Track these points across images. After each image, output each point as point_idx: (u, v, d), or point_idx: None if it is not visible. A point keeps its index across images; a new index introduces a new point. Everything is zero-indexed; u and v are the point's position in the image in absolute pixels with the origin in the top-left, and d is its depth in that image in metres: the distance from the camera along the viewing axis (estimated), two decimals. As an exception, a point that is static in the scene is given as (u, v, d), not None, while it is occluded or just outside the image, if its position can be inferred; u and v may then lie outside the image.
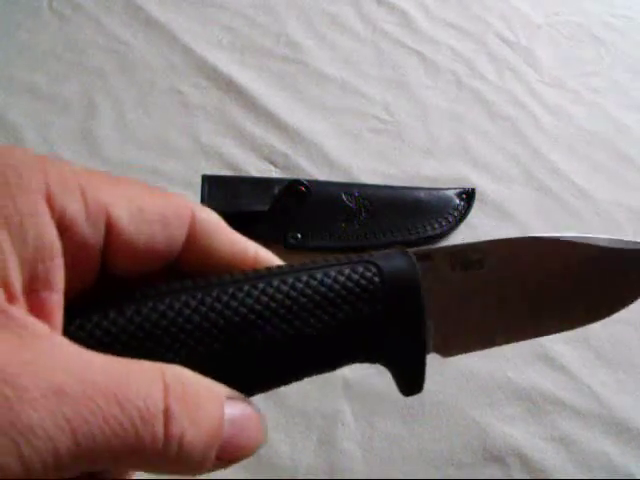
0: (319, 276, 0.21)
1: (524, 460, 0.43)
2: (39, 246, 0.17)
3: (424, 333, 0.22)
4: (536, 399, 0.46)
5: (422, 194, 0.56)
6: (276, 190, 0.53)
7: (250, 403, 0.20)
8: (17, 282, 0.16)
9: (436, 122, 0.63)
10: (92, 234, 0.18)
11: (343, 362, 0.22)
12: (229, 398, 0.19)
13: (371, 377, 0.45)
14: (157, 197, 0.20)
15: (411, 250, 0.23)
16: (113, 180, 0.19)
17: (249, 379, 0.21)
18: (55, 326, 0.17)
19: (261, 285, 0.21)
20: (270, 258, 0.23)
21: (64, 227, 0.17)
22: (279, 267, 0.22)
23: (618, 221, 0.57)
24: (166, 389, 0.17)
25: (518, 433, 0.44)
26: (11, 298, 0.16)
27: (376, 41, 0.71)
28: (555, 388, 0.47)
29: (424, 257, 0.23)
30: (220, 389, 0.19)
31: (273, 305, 0.20)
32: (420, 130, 0.63)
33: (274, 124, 0.61)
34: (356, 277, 0.21)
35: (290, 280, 0.21)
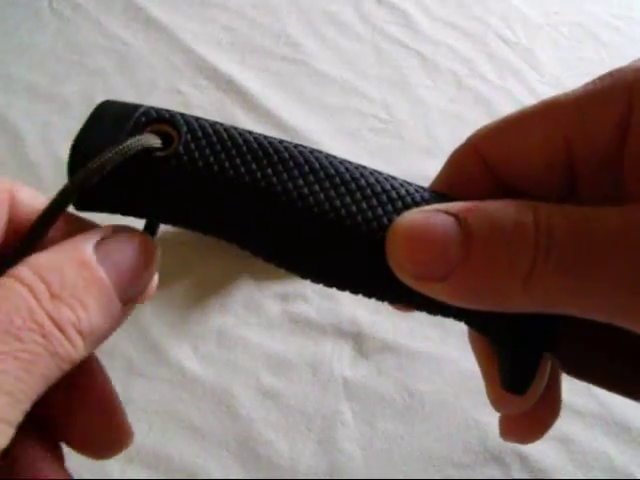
0: None
1: (524, 460, 0.43)
2: None
3: (549, 329, 0.20)
4: (536, 399, 0.46)
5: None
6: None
7: (122, 233, 0.19)
8: None
9: (436, 122, 0.63)
10: None
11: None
12: (94, 247, 0.18)
13: (371, 377, 0.45)
14: None
15: None
16: None
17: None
18: None
19: None
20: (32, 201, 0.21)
21: None
22: None
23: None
24: (35, 296, 0.16)
25: (518, 433, 0.44)
26: None
27: (376, 41, 0.71)
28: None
29: None
30: (78, 245, 0.18)
31: None
32: (420, 130, 0.63)
33: (274, 124, 0.61)
34: None
35: None
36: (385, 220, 0.19)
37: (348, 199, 0.19)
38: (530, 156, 0.20)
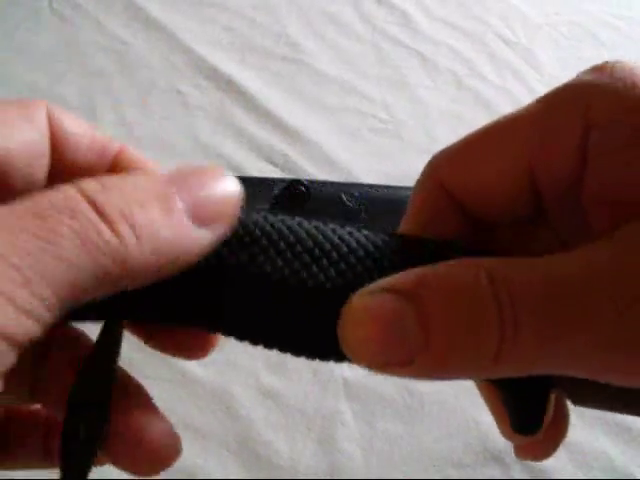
0: None
1: (524, 460, 0.43)
2: None
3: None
4: (536, 399, 0.46)
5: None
6: (276, 190, 0.53)
7: None
8: None
9: (436, 122, 0.63)
10: None
11: None
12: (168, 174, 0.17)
13: (371, 377, 0.45)
14: (11, 108, 0.18)
15: None
16: None
17: None
18: None
19: None
20: (136, 159, 0.21)
21: None
22: None
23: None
24: (81, 188, 0.15)
25: (518, 433, 0.44)
26: None
27: (376, 41, 0.71)
28: (555, 388, 0.47)
29: None
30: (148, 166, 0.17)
31: None
32: (420, 130, 0.63)
33: (274, 124, 0.61)
34: None
35: None
36: (326, 282, 0.17)
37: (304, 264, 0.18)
38: (493, 184, 0.19)
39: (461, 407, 0.45)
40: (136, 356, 0.46)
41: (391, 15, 0.74)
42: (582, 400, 0.21)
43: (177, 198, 0.16)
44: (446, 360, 0.16)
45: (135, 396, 0.20)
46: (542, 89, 0.76)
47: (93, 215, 0.14)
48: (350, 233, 0.18)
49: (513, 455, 0.44)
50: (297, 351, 0.19)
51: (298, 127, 0.61)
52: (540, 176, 0.18)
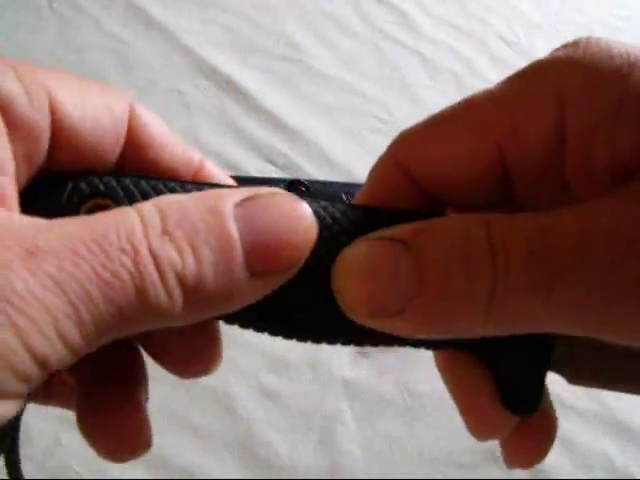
0: None
1: (524, 460, 0.43)
2: None
3: (551, 343, 0.19)
4: (536, 399, 0.46)
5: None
6: (276, 190, 0.53)
7: (276, 191, 0.16)
8: None
9: (436, 122, 0.63)
10: (36, 117, 0.16)
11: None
12: (236, 203, 0.15)
13: (371, 377, 0.45)
14: (94, 84, 0.18)
15: None
16: (45, 67, 0.17)
17: None
18: (10, 209, 0.15)
19: None
20: (216, 174, 0.20)
21: (2, 107, 0.15)
22: None
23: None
24: (144, 224, 0.14)
25: (518, 433, 0.44)
26: None
27: (376, 41, 0.71)
28: (555, 388, 0.47)
29: None
30: (215, 193, 0.15)
31: None
32: (420, 130, 0.63)
33: (274, 124, 0.61)
34: None
35: None
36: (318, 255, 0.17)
37: None
38: (459, 166, 0.19)
39: (461, 407, 0.45)
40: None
41: (391, 15, 0.74)
42: (580, 375, 0.20)
43: (238, 244, 0.15)
44: (437, 308, 0.15)
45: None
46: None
47: (152, 269, 0.14)
48: (325, 208, 0.18)
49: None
50: (291, 335, 0.19)
51: (298, 127, 0.61)
52: (511, 158, 0.18)
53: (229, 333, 0.50)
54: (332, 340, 0.19)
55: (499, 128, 0.18)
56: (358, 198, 0.21)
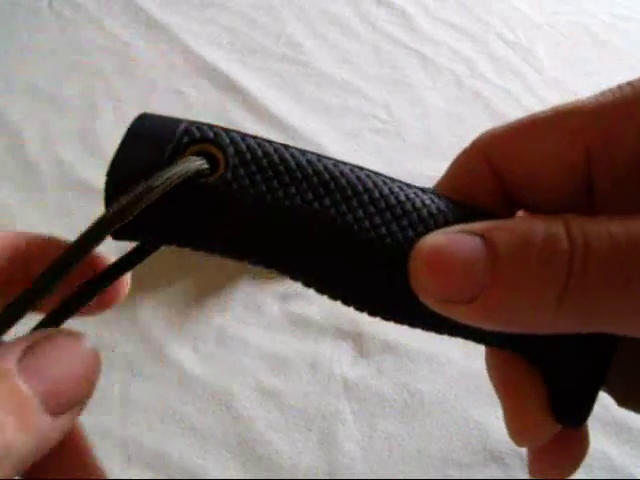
0: None
1: (524, 460, 0.43)
2: None
3: (609, 357, 0.19)
4: (536, 399, 0.46)
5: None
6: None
7: (61, 335, 0.16)
8: None
9: (436, 122, 0.63)
10: None
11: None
12: (18, 359, 0.15)
13: (371, 377, 0.45)
14: None
15: None
16: None
17: None
18: None
19: None
20: None
21: None
22: None
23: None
24: None
25: (518, 433, 0.44)
26: None
27: (376, 41, 0.71)
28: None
29: None
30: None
31: None
32: (420, 130, 0.63)
33: (274, 124, 0.61)
34: None
35: None
36: (400, 236, 0.18)
37: (374, 216, 0.18)
38: (545, 167, 0.19)
39: (461, 407, 0.45)
40: (136, 356, 0.46)
41: (391, 15, 0.74)
42: (631, 397, 0.20)
43: (33, 399, 0.15)
44: (510, 297, 0.16)
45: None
46: (542, 89, 0.76)
47: None
48: (416, 193, 0.19)
49: (513, 455, 0.44)
50: (347, 299, 0.19)
51: (298, 127, 0.61)
52: (598, 163, 0.19)
53: (229, 333, 0.50)
54: (398, 319, 0.20)
55: (590, 134, 0.18)
56: (439, 183, 0.22)
